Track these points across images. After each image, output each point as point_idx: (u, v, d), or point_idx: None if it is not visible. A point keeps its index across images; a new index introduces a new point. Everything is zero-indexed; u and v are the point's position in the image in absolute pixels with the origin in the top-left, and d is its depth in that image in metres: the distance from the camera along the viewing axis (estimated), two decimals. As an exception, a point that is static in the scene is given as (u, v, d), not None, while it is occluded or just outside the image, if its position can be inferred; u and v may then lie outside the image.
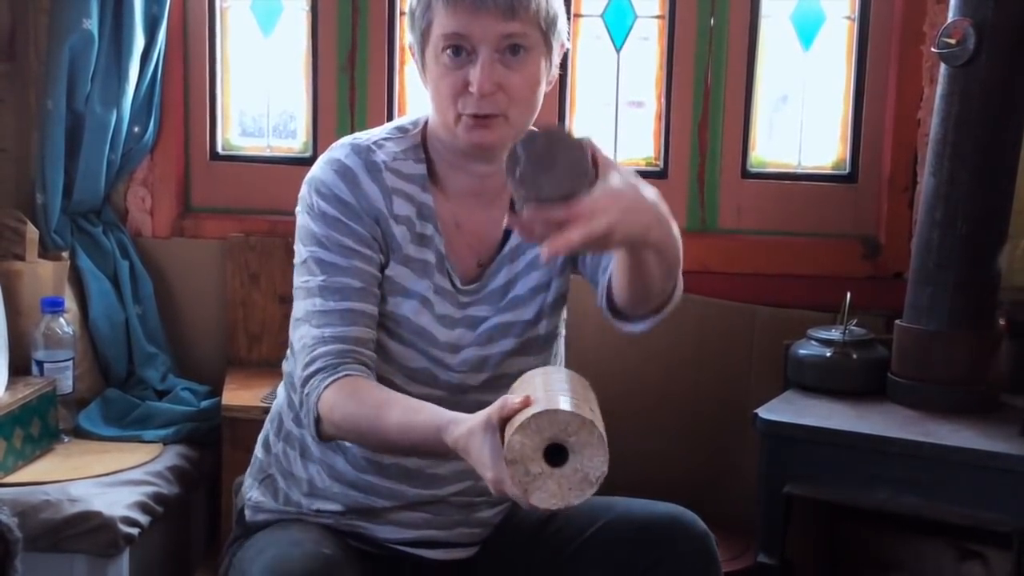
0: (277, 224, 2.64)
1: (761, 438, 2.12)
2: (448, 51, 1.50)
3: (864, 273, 2.60)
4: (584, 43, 2.70)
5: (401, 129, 1.64)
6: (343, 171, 1.57)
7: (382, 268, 1.58)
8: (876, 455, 2.02)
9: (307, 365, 1.52)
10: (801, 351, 2.30)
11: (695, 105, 2.64)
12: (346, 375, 1.49)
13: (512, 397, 1.27)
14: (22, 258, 2.49)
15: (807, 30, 2.65)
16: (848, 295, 2.30)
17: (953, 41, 2.11)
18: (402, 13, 2.71)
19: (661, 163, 2.69)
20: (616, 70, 2.70)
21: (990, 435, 2.01)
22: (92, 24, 2.49)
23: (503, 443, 1.23)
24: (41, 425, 2.34)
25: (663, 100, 2.67)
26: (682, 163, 2.67)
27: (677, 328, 2.60)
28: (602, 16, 2.68)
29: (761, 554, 2.11)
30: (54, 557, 2.11)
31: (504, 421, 1.25)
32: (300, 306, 1.56)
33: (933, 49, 2.18)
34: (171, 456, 2.41)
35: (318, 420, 1.50)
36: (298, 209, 1.60)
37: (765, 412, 2.13)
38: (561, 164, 1.26)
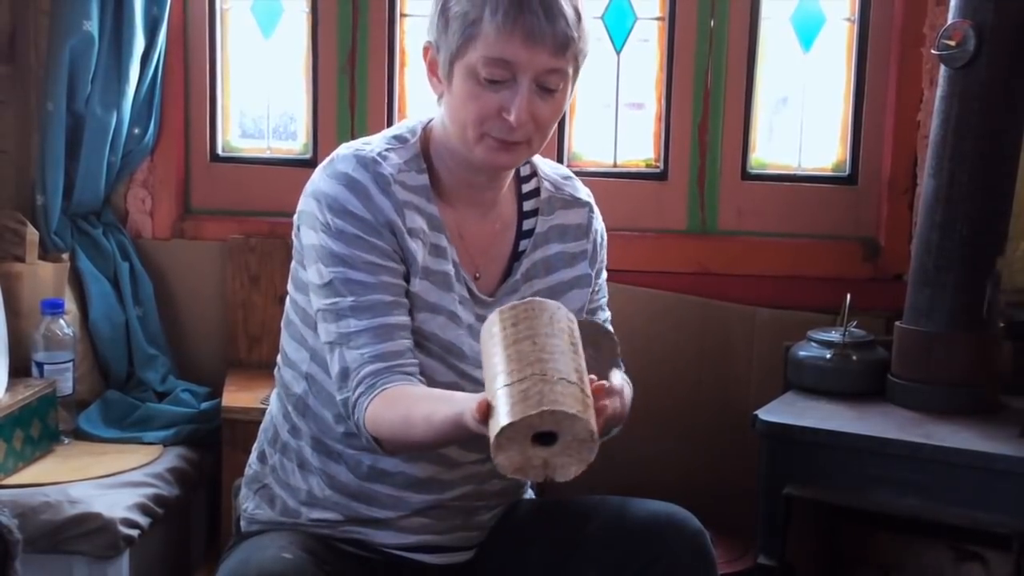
0: (277, 226, 2.64)
1: (761, 439, 2.12)
2: (488, 73, 1.47)
3: (864, 275, 2.60)
4: (588, 45, 2.69)
5: (399, 139, 1.60)
6: (353, 185, 1.52)
7: (406, 278, 1.55)
8: (876, 456, 2.02)
9: (355, 388, 1.50)
10: (801, 352, 2.30)
11: (695, 107, 2.64)
12: (383, 389, 1.47)
13: (470, 408, 1.27)
14: (22, 259, 2.49)
15: (807, 32, 2.65)
16: (848, 297, 2.30)
17: (953, 43, 2.11)
18: (403, 15, 2.72)
19: (661, 165, 2.69)
20: (616, 72, 2.70)
21: (990, 436, 2.01)
22: (92, 26, 2.49)
23: None
24: (41, 427, 2.34)
25: (663, 102, 2.67)
26: (682, 165, 2.67)
27: (677, 330, 2.60)
28: (602, 18, 2.68)
29: (761, 556, 2.11)
30: (54, 558, 2.11)
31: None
32: (329, 328, 1.52)
33: (933, 51, 2.19)
34: (171, 458, 2.42)
35: (377, 441, 1.48)
36: (305, 225, 1.56)
37: (765, 413, 2.13)
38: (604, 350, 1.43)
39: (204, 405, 2.57)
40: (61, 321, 2.44)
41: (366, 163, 1.54)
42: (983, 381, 2.17)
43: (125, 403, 2.55)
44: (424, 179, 1.57)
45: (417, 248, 1.54)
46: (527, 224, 1.66)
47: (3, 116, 2.65)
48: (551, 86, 1.49)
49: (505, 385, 1.24)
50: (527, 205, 1.67)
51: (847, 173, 2.67)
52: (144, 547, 2.23)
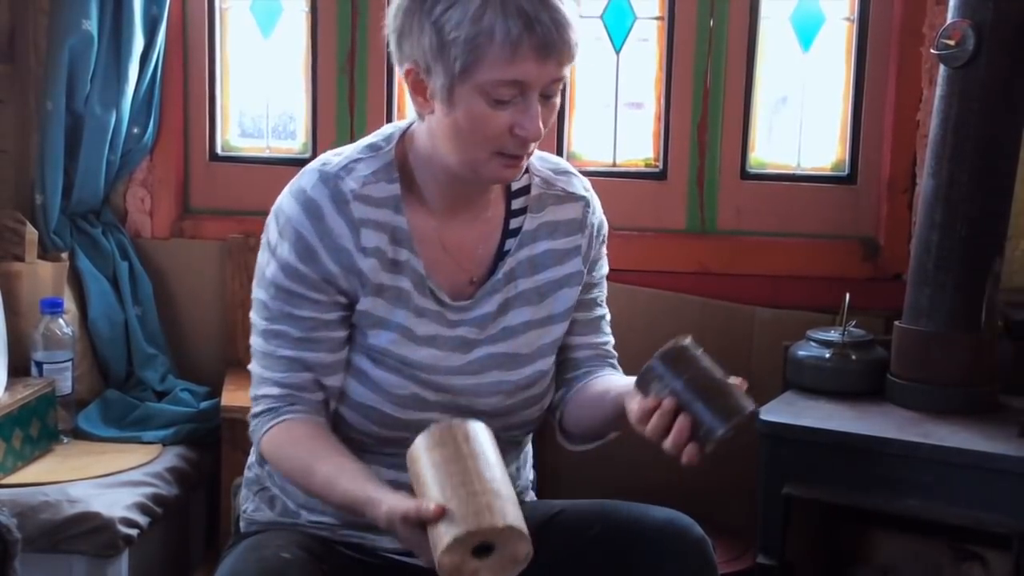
0: (276, 225, 2.64)
1: (761, 439, 2.12)
2: (498, 94, 1.43)
3: (863, 274, 2.60)
4: (583, 44, 2.69)
5: (373, 147, 1.57)
6: (308, 205, 1.51)
7: (348, 306, 1.54)
8: (875, 456, 2.02)
9: (255, 402, 1.57)
10: (800, 352, 2.30)
11: (694, 106, 2.64)
12: (286, 419, 1.53)
13: (426, 504, 1.29)
14: (21, 259, 2.49)
15: (806, 31, 2.65)
16: (847, 296, 2.30)
17: (952, 42, 2.11)
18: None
19: (660, 164, 2.69)
20: (615, 71, 2.70)
21: (989, 436, 2.01)
22: (92, 25, 2.49)
23: (428, 539, 1.29)
24: (40, 426, 2.34)
25: (662, 101, 2.67)
26: (681, 164, 2.67)
27: (676, 329, 2.58)
28: (601, 17, 2.68)
29: (761, 555, 2.11)
30: (53, 558, 2.11)
31: (423, 522, 1.30)
32: (253, 339, 1.59)
33: (932, 50, 2.18)
34: (170, 457, 2.42)
35: (263, 459, 1.59)
36: (264, 234, 1.57)
37: (764, 413, 2.13)
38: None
39: (203, 404, 2.57)
40: (60, 320, 2.44)
41: (327, 178, 1.52)
42: (982, 381, 2.17)
43: (124, 402, 2.56)
44: (395, 188, 1.54)
45: (370, 267, 1.52)
46: (514, 222, 1.63)
47: (2, 115, 2.65)
48: (553, 93, 1.48)
49: (469, 494, 1.29)
50: (516, 203, 1.63)
51: (846, 173, 2.67)
52: (143, 546, 2.24)
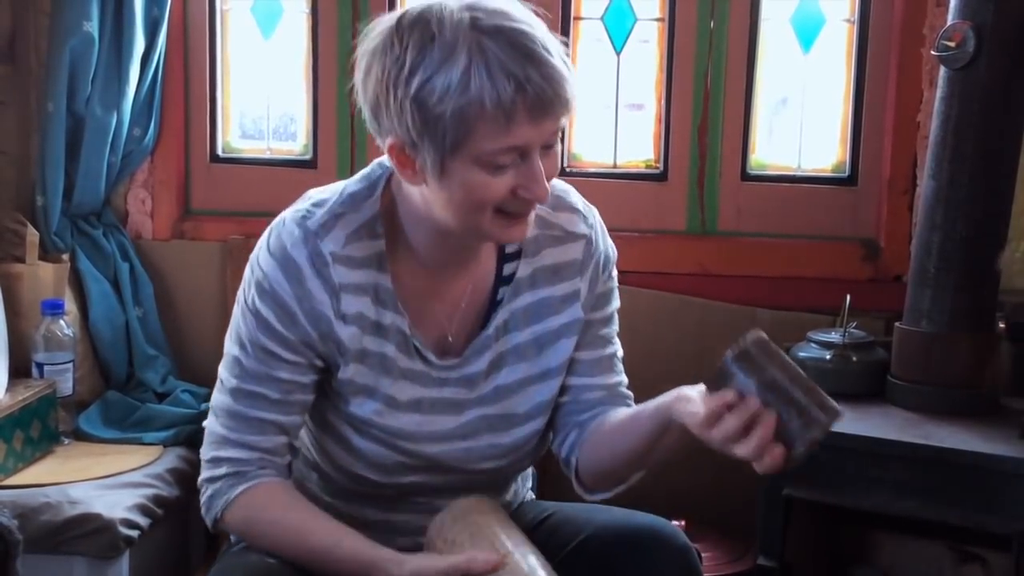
0: (277, 226, 2.64)
1: (761, 440, 2.12)
2: (497, 161, 1.33)
3: (864, 275, 2.60)
4: (584, 46, 2.70)
5: (357, 198, 1.46)
6: (287, 265, 1.43)
7: (323, 369, 1.48)
8: (876, 457, 2.02)
9: (213, 464, 1.49)
10: (801, 353, 2.30)
11: (695, 108, 2.64)
12: (261, 482, 1.47)
13: (480, 555, 1.32)
14: (22, 260, 2.49)
15: (807, 33, 2.65)
16: (848, 297, 2.30)
17: (953, 44, 2.11)
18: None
19: (661, 165, 2.69)
20: (616, 72, 2.70)
21: (990, 438, 2.01)
22: (92, 26, 2.49)
23: None
24: (41, 427, 2.34)
25: (663, 103, 2.67)
26: (682, 166, 2.67)
27: (677, 330, 2.60)
28: (602, 19, 2.68)
29: (761, 556, 2.11)
30: (54, 559, 2.11)
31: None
32: (215, 395, 1.51)
33: (933, 52, 2.18)
34: (171, 458, 2.41)
35: (217, 520, 1.50)
36: (242, 284, 1.50)
37: (765, 414, 2.13)
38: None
39: (204, 406, 2.55)
40: (61, 322, 2.44)
41: (308, 238, 1.43)
42: (983, 382, 2.17)
43: (125, 404, 2.56)
44: (379, 245, 1.46)
45: (350, 335, 1.45)
46: (507, 268, 1.53)
47: (3, 117, 2.65)
48: (553, 143, 1.38)
49: (531, 552, 1.37)
50: (509, 247, 1.53)
51: (847, 174, 2.67)
52: (144, 548, 2.23)
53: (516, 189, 1.35)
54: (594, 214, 1.60)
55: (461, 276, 1.51)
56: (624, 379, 1.62)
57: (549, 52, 1.31)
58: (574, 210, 1.57)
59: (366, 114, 1.39)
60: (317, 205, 1.46)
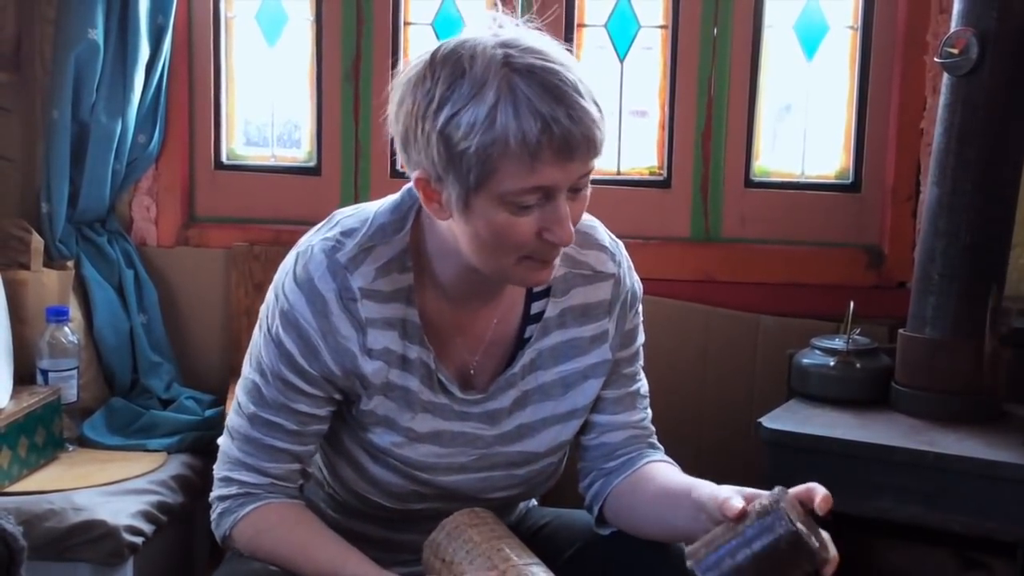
0: (282, 233, 2.65)
1: (765, 447, 2.12)
2: (521, 200, 1.30)
3: (868, 282, 2.60)
4: (588, 53, 2.70)
5: (386, 229, 1.43)
6: (313, 298, 1.40)
7: (340, 402, 1.47)
8: (879, 464, 2.02)
9: (225, 483, 1.49)
10: (805, 360, 2.30)
11: (699, 114, 2.65)
12: (270, 502, 1.47)
13: None
14: (27, 267, 2.49)
15: (810, 40, 2.66)
16: (851, 304, 2.29)
17: (956, 51, 2.11)
18: (407, 23, 2.73)
19: (665, 172, 2.70)
20: (620, 79, 2.70)
21: (994, 444, 2.01)
22: (98, 34, 2.50)
23: None
24: (46, 434, 2.34)
25: (667, 109, 2.67)
26: (686, 172, 2.67)
27: (681, 337, 2.60)
28: (605, 26, 2.69)
29: (765, 563, 2.10)
30: (58, 566, 2.11)
31: None
32: (232, 416, 1.50)
33: (936, 59, 2.18)
34: (175, 465, 2.42)
35: (226, 537, 1.49)
36: (263, 309, 1.47)
37: (769, 421, 2.13)
38: None
39: (208, 412, 2.57)
40: (66, 329, 2.44)
41: (336, 272, 1.40)
42: (987, 389, 2.16)
43: (129, 410, 2.56)
44: (407, 279, 1.43)
45: (375, 369, 1.42)
46: (536, 307, 1.50)
47: (8, 124, 2.66)
48: (582, 186, 1.36)
49: (533, 562, 1.37)
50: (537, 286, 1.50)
51: (850, 181, 2.67)
52: (148, 554, 2.24)
53: (541, 231, 1.33)
54: (621, 250, 1.59)
55: (487, 310, 1.49)
56: (648, 414, 1.60)
57: (580, 94, 1.30)
58: (602, 248, 1.55)
59: (397, 145, 1.38)
60: (346, 235, 1.43)
